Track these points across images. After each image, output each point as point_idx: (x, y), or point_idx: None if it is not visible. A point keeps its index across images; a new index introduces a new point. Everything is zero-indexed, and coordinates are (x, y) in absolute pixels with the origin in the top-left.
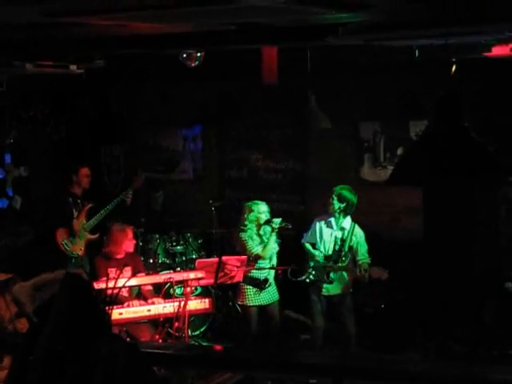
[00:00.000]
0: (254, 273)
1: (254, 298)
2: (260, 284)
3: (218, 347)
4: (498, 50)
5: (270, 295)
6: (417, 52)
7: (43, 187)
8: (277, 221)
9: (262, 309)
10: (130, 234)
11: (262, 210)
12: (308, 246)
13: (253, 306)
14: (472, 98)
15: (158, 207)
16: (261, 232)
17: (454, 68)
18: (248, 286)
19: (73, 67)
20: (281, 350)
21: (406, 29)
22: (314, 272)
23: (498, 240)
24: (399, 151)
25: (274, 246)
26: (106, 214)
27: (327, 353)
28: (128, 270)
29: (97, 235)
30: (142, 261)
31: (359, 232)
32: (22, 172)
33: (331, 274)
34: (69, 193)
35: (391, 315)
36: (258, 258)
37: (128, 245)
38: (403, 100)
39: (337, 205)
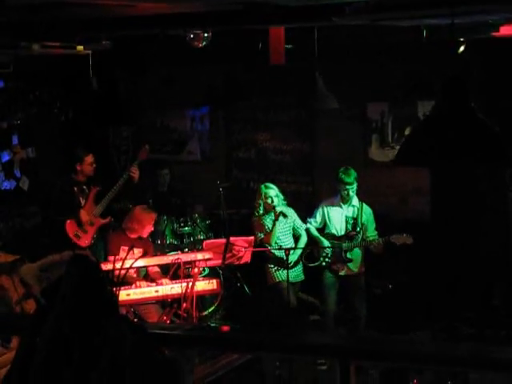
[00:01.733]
0: (278, 253)
1: (282, 273)
2: (285, 263)
3: (226, 328)
4: (506, 30)
5: (297, 274)
6: (424, 32)
7: (51, 168)
8: (278, 208)
9: (284, 286)
10: (153, 220)
11: (269, 194)
12: (314, 231)
13: (283, 280)
14: (480, 78)
15: (165, 186)
16: (269, 216)
17: (461, 48)
18: (272, 265)
19: (80, 48)
20: (288, 331)
21: (413, 8)
22: (330, 255)
23: (507, 221)
24: (407, 132)
25: (281, 232)
26: (115, 194)
27: (335, 334)
28: (140, 252)
29: (108, 218)
30: (151, 242)
31: (368, 209)
32: (29, 153)
33: (348, 254)
34: (73, 181)
35: (398, 296)
36: (262, 242)
37: (147, 230)
38: (411, 80)
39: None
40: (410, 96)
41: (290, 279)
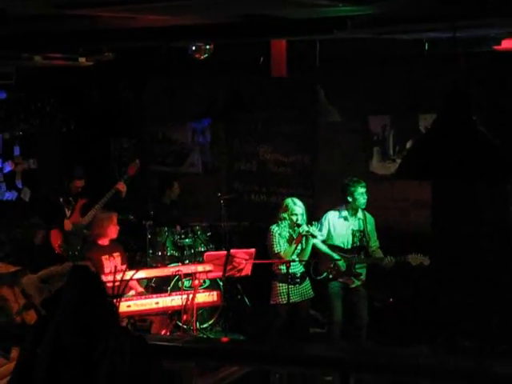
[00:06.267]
0: (291, 268)
1: (291, 293)
2: (296, 279)
3: (225, 340)
4: (507, 44)
5: (305, 291)
6: (426, 45)
7: (52, 179)
8: (303, 228)
9: (294, 306)
10: (115, 220)
11: (296, 211)
12: (321, 245)
13: (286, 303)
14: (481, 92)
15: (174, 198)
16: (290, 231)
17: (463, 61)
18: (281, 284)
19: (82, 60)
20: (288, 343)
21: (415, 22)
22: (342, 268)
23: (507, 235)
24: (408, 145)
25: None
26: (101, 207)
27: (334, 346)
28: (119, 256)
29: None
30: (151, 253)
31: (371, 219)
32: (31, 164)
33: (357, 266)
34: (61, 192)
35: (400, 309)
36: (277, 257)
37: (112, 230)
38: (412, 93)
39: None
40: (412, 109)
41: (300, 297)
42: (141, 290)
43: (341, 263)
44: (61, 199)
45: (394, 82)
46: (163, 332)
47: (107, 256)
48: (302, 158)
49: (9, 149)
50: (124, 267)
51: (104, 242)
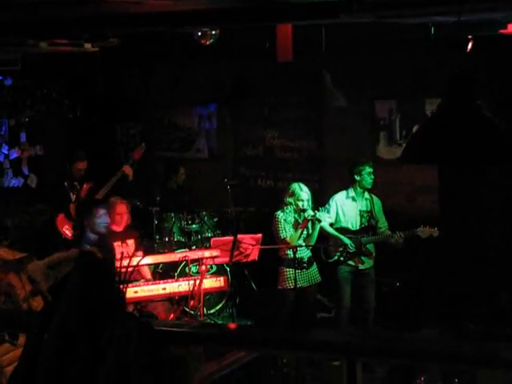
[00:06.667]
0: (298, 252)
1: (298, 278)
2: (303, 264)
3: (232, 325)
4: None
5: (312, 276)
6: (432, 29)
7: (58, 166)
8: (308, 213)
9: (301, 290)
10: (118, 209)
11: (302, 197)
12: (329, 229)
13: (293, 288)
14: (486, 76)
15: (180, 183)
16: (296, 216)
17: (469, 45)
18: (288, 269)
19: (87, 46)
20: (295, 328)
21: (420, 5)
22: (350, 249)
23: None
24: (415, 129)
25: (304, 235)
26: (108, 191)
27: (341, 330)
28: (131, 244)
29: None
30: (158, 239)
31: (378, 201)
32: (37, 151)
33: (368, 246)
34: (66, 176)
35: (407, 294)
36: (283, 242)
37: (115, 218)
38: (419, 78)
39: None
40: (418, 93)
41: (307, 282)
42: (149, 277)
43: (349, 244)
44: (65, 183)
45: (400, 67)
46: (171, 318)
47: (119, 242)
48: (308, 143)
49: (15, 135)
50: (139, 253)
51: (118, 228)
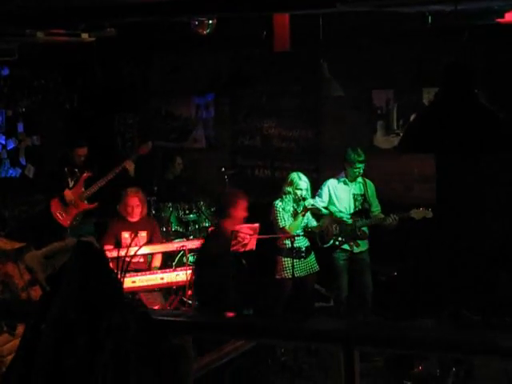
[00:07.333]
0: (295, 242)
1: (295, 268)
2: (301, 253)
3: (230, 314)
4: (510, 16)
5: (311, 265)
6: (429, 18)
7: (56, 156)
8: (308, 202)
9: (299, 280)
10: (129, 201)
11: (301, 186)
12: (325, 211)
13: (291, 278)
14: (483, 65)
15: (175, 174)
16: (294, 205)
17: (466, 34)
18: (286, 258)
19: (84, 35)
20: (291, 317)
21: None
22: (344, 233)
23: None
24: (412, 118)
25: (303, 224)
26: (106, 182)
27: (338, 319)
28: (143, 237)
29: (94, 204)
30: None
31: (371, 184)
32: (34, 141)
33: (364, 229)
34: (66, 162)
35: (404, 282)
36: (282, 231)
37: (124, 210)
38: (416, 67)
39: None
40: (415, 82)
41: (305, 271)
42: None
43: (345, 217)
44: (65, 169)
45: (397, 56)
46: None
47: (130, 232)
48: (305, 132)
49: (12, 126)
50: (151, 246)
51: (133, 218)
